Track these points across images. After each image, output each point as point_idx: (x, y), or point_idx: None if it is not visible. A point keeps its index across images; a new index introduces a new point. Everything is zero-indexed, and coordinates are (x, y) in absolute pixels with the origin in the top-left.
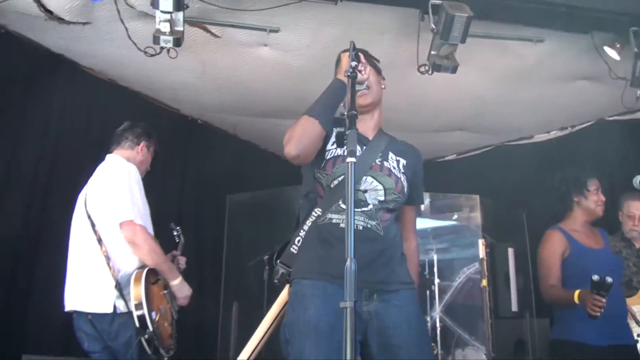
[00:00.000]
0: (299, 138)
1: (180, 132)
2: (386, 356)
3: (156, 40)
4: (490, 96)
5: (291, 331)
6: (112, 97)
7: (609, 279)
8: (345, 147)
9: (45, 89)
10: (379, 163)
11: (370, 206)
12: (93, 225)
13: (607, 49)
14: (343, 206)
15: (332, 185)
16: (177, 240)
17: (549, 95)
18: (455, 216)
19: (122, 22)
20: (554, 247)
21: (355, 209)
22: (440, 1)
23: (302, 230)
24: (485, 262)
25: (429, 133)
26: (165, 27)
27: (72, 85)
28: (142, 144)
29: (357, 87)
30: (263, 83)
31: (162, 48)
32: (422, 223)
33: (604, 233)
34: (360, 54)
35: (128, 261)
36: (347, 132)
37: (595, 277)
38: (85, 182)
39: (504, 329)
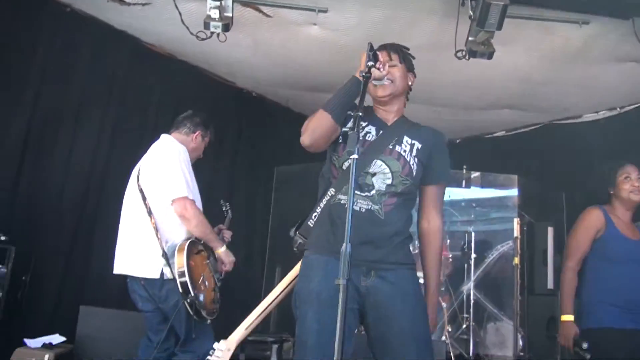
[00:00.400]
0: (313, 129)
1: (236, 104)
2: (380, 328)
3: (206, 25)
4: (537, 76)
5: (298, 298)
6: (171, 70)
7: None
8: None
9: (108, 64)
10: (391, 147)
11: (374, 191)
12: (144, 198)
13: None
14: None
15: (344, 167)
16: (225, 215)
17: (596, 76)
18: (495, 193)
19: (177, 6)
20: (591, 223)
21: (361, 193)
22: None
23: (318, 207)
24: (518, 241)
25: (476, 110)
26: (215, 14)
27: (134, 59)
28: (197, 133)
29: (377, 82)
30: (313, 59)
31: (212, 33)
32: (464, 193)
33: None
34: (379, 52)
35: (175, 233)
36: (349, 133)
37: (585, 345)
38: (141, 156)
39: (538, 305)
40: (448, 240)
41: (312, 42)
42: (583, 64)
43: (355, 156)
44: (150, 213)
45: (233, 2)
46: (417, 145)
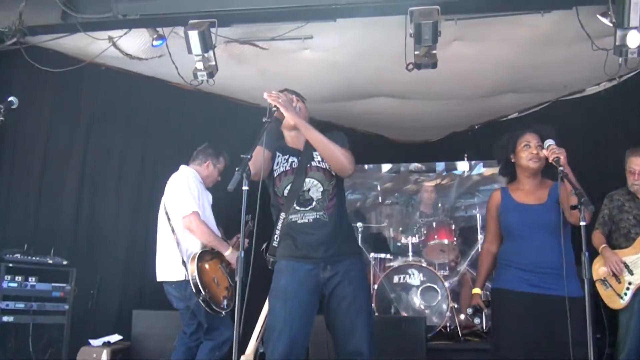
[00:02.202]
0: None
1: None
2: (334, 304)
3: (195, 76)
4: (523, 61)
5: (270, 295)
6: (199, 100)
7: (476, 320)
8: (280, 165)
9: (145, 104)
10: (309, 165)
11: (314, 202)
12: (169, 219)
13: (600, 17)
14: (297, 208)
15: (285, 194)
16: (247, 226)
17: (581, 53)
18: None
19: (173, 61)
20: (490, 205)
21: (305, 208)
22: (415, 8)
23: (277, 229)
24: None
25: (481, 98)
26: (200, 65)
27: (165, 97)
28: (208, 162)
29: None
30: (313, 77)
31: (201, 81)
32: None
33: (556, 187)
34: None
35: (192, 244)
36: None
37: (469, 311)
38: None
39: None
40: (453, 226)
41: (309, 64)
42: (562, 45)
43: (245, 188)
44: (173, 230)
45: (214, 53)
46: None
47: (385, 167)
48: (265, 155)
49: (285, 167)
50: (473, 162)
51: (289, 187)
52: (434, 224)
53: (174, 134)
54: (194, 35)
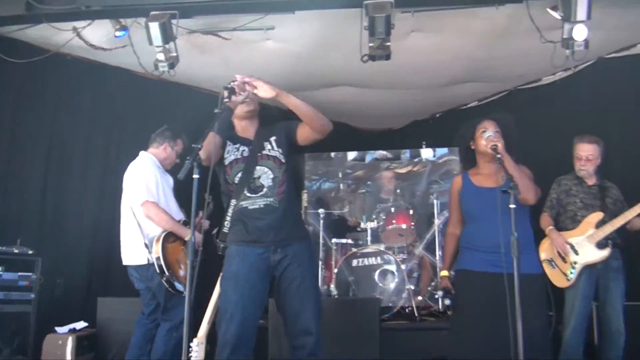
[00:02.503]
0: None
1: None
2: (283, 284)
3: (155, 66)
4: (479, 53)
5: (222, 279)
6: (164, 90)
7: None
8: (230, 154)
9: (109, 93)
10: (260, 154)
11: (265, 189)
12: (130, 206)
13: (549, 10)
14: (248, 194)
15: (235, 182)
16: (207, 207)
17: (535, 44)
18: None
19: (135, 52)
20: (452, 190)
21: (256, 195)
22: (369, 1)
23: (227, 216)
24: None
25: (441, 87)
26: (161, 56)
27: (130, 86)
28: (165, 144)
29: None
30: (277, 67)
31: (162, 71)
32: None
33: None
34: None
35: (152, 228)
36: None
37: (439, 294)
38: None
39: None
40: (411, 211)
41: (271, 54)
42: (518, 36)
43: (196, 176)
44: (134, 214)
45: (176, 44)
46: (273, 138)
47: (351, 154)
48: (216, 140)
49: (236, 155)
50: (437, 150)
51: (240, 175)
52: (393, 209)
53: (139, 123)
54: (154, 27)
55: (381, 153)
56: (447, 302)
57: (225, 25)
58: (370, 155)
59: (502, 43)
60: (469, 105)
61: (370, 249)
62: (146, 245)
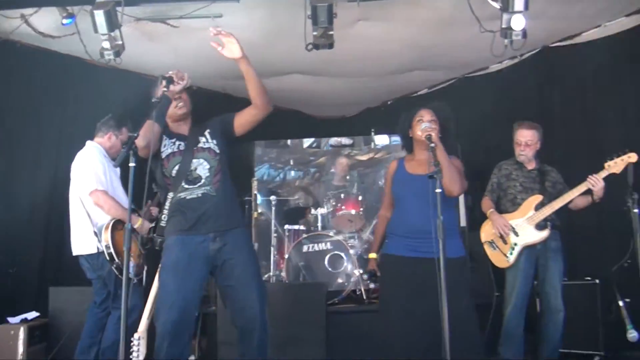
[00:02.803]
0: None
1: None
2: (226, 272)
3: (101, 54)
4: (426, 41)
5: (161, 270)
6: (114, 77)
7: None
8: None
9: (61, 81)
10: (196, 147)
11: (203, 179)
12: (77, 195)
13: (489, 0)
14: (185, 186)
15: (173, 174)
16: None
17: (478, 33)
18: None
19: (81, 40)
20: (386, 175)
21: (194, 185)
22: None
23: (165, 209)
24: None
25: (390, 75)
26: (106, 44)
27: (80, 74)
28: (109, 134)
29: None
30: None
31: (108, 59)
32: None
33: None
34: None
35: (101, 216)
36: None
37: (365, 277)
38: None
39: None
40: (360, 197)
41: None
42: (463, 24)
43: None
44: (82, 203)
45: (121, 32)
46: (207, 131)
47: (307, 141)
48: (155, 128)
49: (173, 148)
50: (392, 137)
51: (177, 168)
52: (342, 195)
53: (90, 110)
54: (99, 15)
55: (336, 140)
56: (372, 285)
57: (173, 13)
58: (324, 142)
59: (447, 32)
60: (419, 93)
61: (321, 234)
62: (95, 233)
